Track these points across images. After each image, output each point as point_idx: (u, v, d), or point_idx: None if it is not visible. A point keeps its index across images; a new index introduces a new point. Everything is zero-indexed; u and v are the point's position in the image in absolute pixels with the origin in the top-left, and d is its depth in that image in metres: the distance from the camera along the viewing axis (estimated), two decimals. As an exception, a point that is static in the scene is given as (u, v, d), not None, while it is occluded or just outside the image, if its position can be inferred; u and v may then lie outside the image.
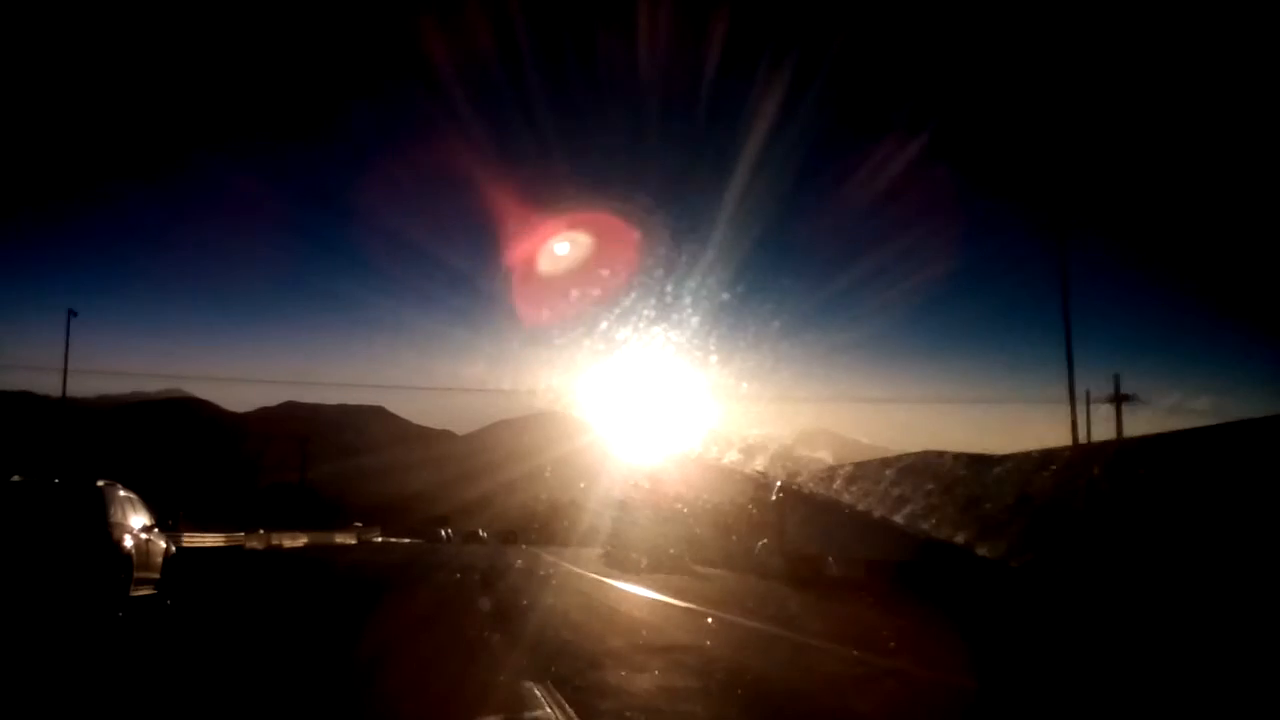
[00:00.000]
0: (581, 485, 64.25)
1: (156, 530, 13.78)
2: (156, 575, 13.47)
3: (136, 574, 12.61)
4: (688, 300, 47.98)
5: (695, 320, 48.01)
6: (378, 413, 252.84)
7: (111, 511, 12.38)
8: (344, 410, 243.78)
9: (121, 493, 13.02)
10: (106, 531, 12.09)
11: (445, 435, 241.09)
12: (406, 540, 79.55)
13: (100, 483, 12.75)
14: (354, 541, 62.85)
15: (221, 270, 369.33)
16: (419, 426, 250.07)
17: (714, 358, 49.89)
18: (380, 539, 77.77)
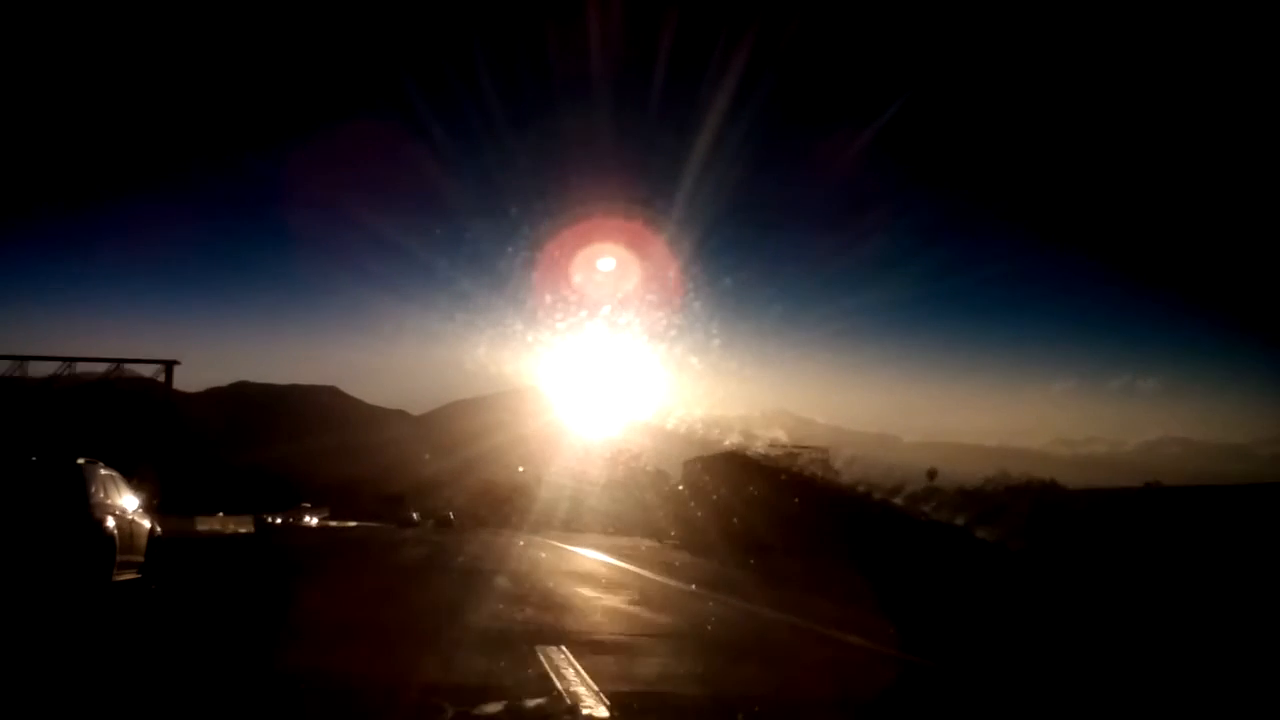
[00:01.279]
0: (558, 464, 61.60)
1: (141, 510, 13.03)
2: (141, 558, 12.75)
3: (120, 557, 11.88)
4: (651, 290, 47.61)
5: (658, 308, 47.65)
6: (331, 392, 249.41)
7: (93, 491, 11.65)
8: (296, 390, 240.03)
9: (103, 471, 12.26)
10: (88, 512, 11.37)
11: (400, 415, 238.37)
12: (353, 524, 66.65)
13: (80, 460, 11.98)
14: (248, 529, 42.85)
15: (173, 249, 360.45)
16: (372, 406, 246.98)
17: (675, 342, 49.61)
18: (314, 521, 63.16)
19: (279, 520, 52.90)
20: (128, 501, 12.65)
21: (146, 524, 13.20)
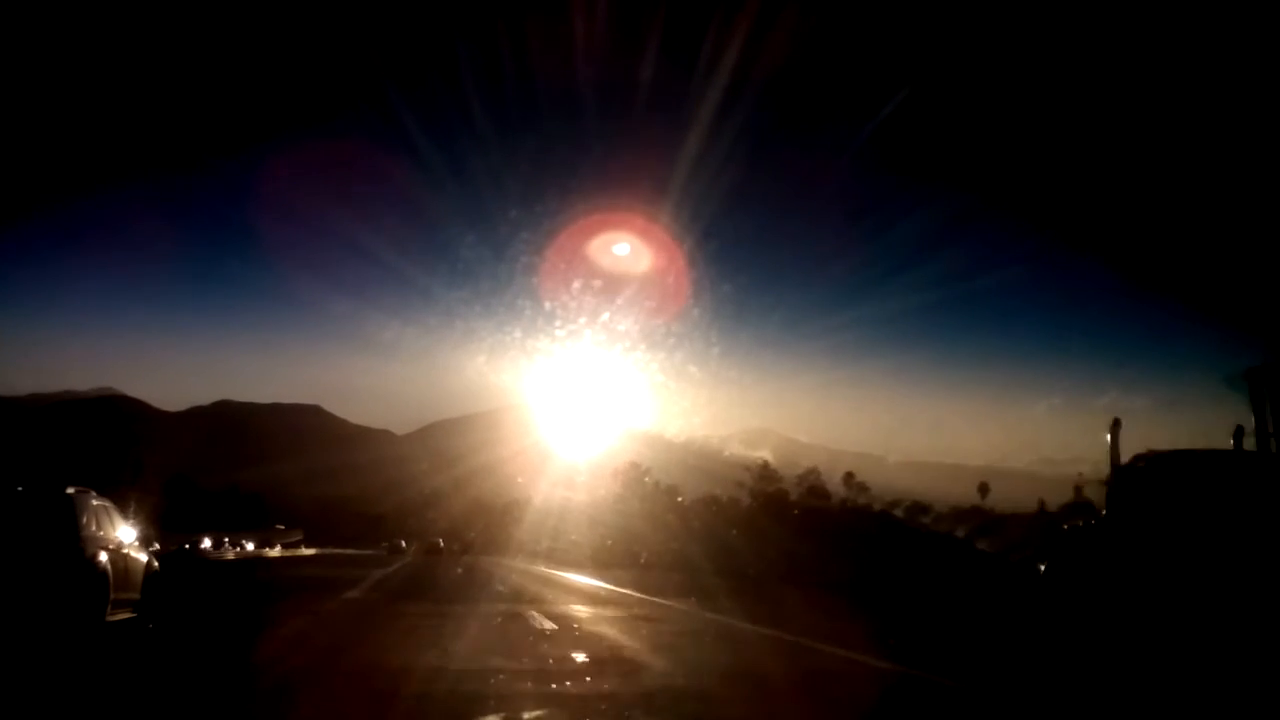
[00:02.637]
0: (557, 480, 59.06)
1: (136, 543, 12.07)
2: (136, 595, 11.76)
3: (114, 594, 10.93)
4: (650, 295, 46.78)
5: (656, 315, 46.90)
6: (314, 412, 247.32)
7: (84, 523, 10.72)
8: (278, 409, 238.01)
9: (95, 501, 11.33)
10: (78, 546, 10.44)
11: (384, 435, 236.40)
12: (310, 553, 60.12)
13: (71, 490, 11.05)
14: None
15: (154, 264, 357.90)
16: (356, 426, 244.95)
17: (674, 350, 48.78)
18: (233, 550, 53.27)
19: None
20: (123, 534, 11.72)
21: (143, 558, 12.25)
